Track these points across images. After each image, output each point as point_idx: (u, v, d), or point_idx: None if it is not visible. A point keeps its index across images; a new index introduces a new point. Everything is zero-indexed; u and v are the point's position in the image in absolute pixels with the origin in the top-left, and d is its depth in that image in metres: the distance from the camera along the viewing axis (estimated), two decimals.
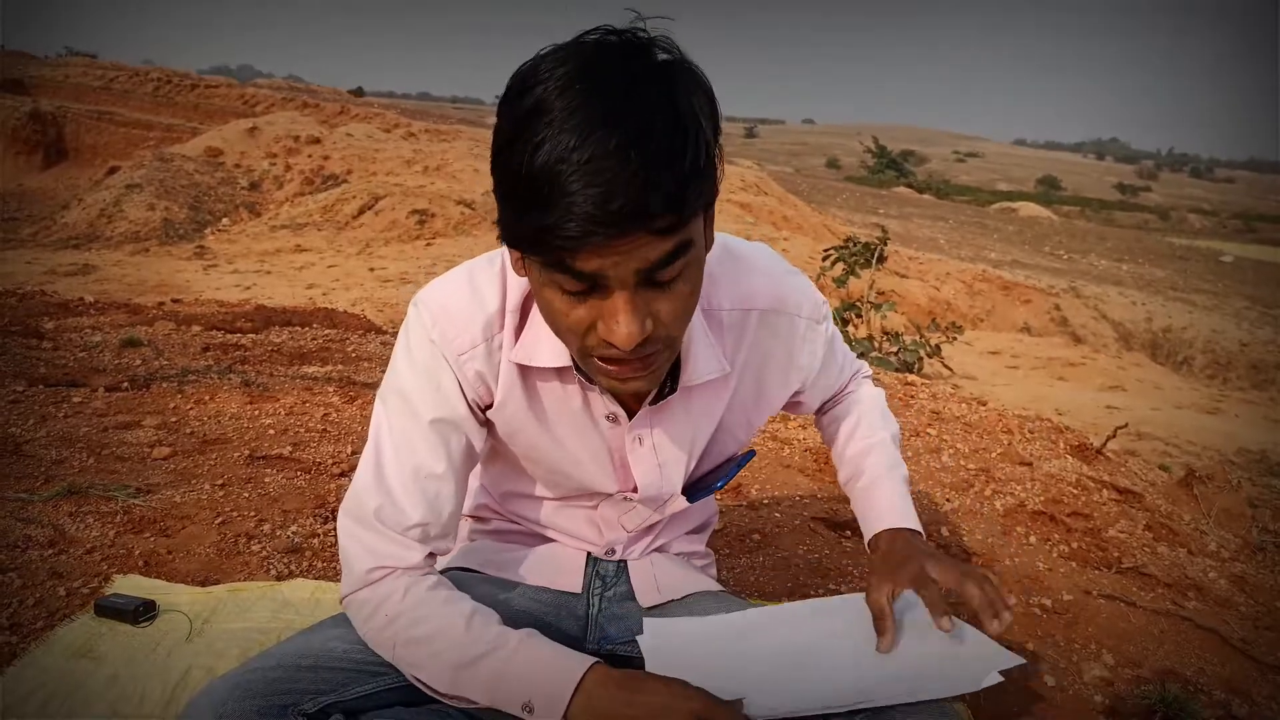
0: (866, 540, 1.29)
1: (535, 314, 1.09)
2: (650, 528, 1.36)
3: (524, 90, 0.84)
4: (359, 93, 47.78)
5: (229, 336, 4.45)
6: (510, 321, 1.10)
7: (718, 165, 0.89)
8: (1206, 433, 7.27)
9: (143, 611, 1.67)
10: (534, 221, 0.83)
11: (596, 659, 1.07)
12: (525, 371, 1.12)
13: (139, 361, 3.73)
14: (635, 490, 1.23)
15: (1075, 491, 2.89)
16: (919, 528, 1.27)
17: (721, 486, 1.34)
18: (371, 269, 13.36)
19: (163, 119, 26.95)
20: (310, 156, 20.12)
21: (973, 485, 2.84)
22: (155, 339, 4.18)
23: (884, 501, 1.30)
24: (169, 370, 3.58)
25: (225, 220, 17.43)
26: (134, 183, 17.40)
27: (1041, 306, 16.51)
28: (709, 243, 0.98)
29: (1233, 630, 2.12)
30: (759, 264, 1.19)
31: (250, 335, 4.54)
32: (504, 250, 1.11)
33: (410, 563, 1.12)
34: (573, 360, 1.08)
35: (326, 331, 4.82)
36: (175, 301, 6.28)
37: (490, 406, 1.15)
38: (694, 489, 1.29)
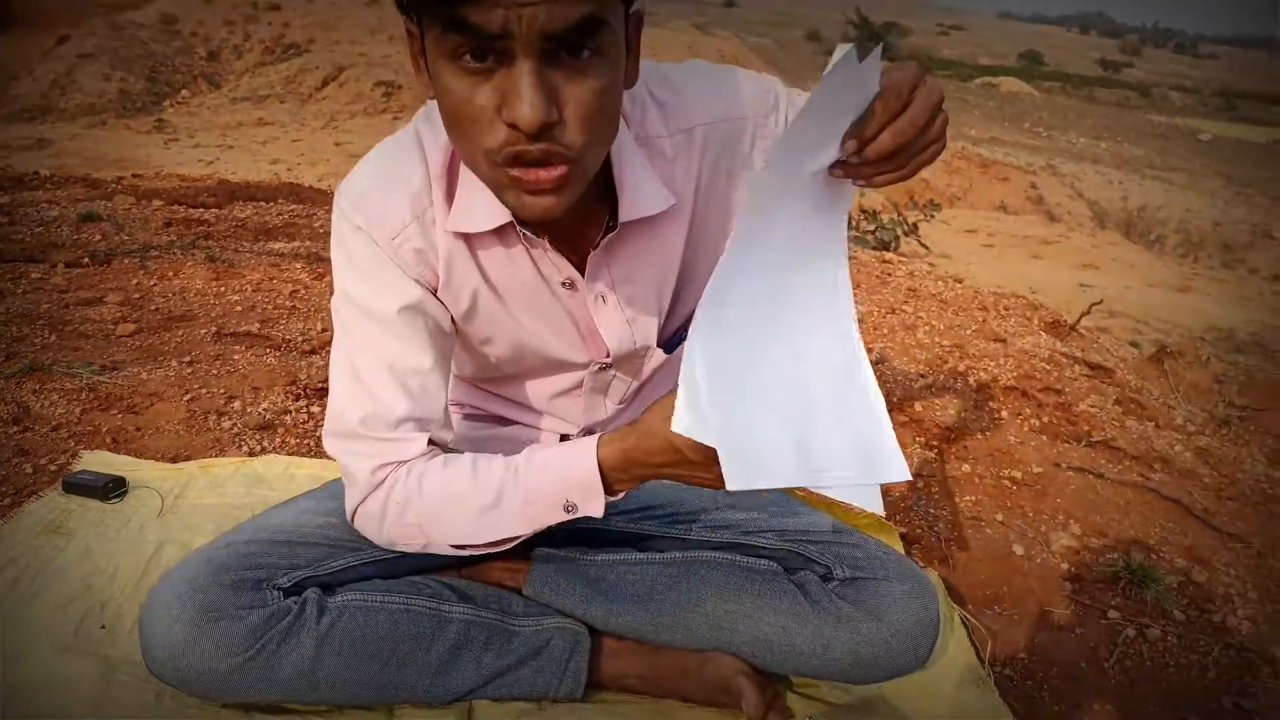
0: None
1: (464, 177, 1.01)
2: (631, 399, 1.32)
3: None
4: None
5: (192, 211, 4.32)
6: (438, 189, 1.02)
7: None
8: (1177, 310, 7.34)
9: (112, 488, 1.65)
10: None
11: (594, 435, 1.05)
12: (467, 241, 1.04)
13: (99, 237, 3.62)
14: (608, 355, 1.17)
15: (1048, 367, 2.91)
16: None
17: None
18: (337, 143, 13.00)
19: None
20: (270, 24, 19.28)
21: (947, 361, 2.84)
22: (115, 213, 4.05)
23: None
24: (130, 246, 3.48)
25: (184, 92, 16.81)
26: (86, 52, 16.66)
27: (1019, 185, 16.41)
28: (632, 66, 0.91)
29: (1195, 501, 2.17)
30: (693, 79, 1.08)
31: (214, 210, 4.41)
32: (415, 121, 1.04)
33: (411, 454, 1.08)
34: (512, 220, 1.00)
35: (292, 207, 4.69)
36: (135, 176, 6.08)
37: (437, 290, 1.08)
38: (670, 340, 1.22)
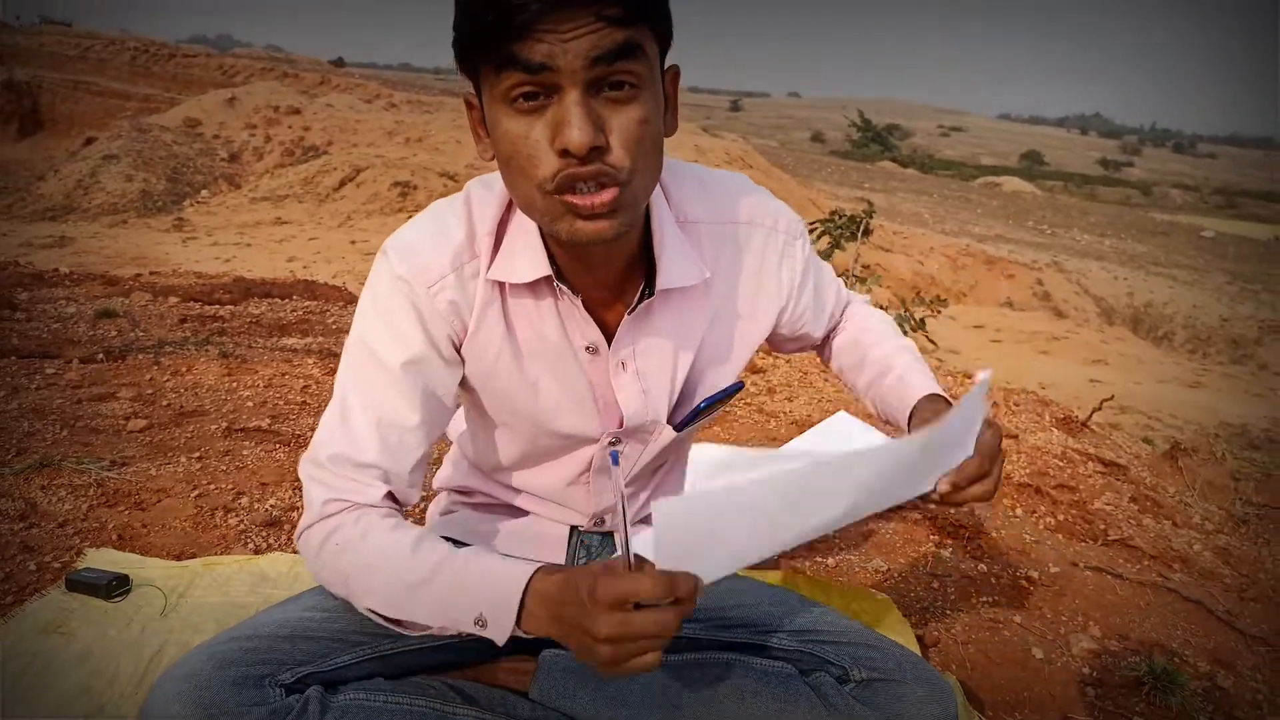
0: (906, 415, 1.23)
1: (512, 232, 1.07)
2: (640, 492, 1.32)
3: None
4: (340, 63, 47.16)
5: (207, 308, 4.38)
6: (485, 245, 1.08)
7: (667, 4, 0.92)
8: (1188, 406, 7.30)
9: (115, 586, 1.63)
10: (479, 13, 0.85)
11: (541, 564, 1.03)
12: (502, 297, 1.10)
13: (114, 333, 3.67)
14: (620, 424, 1.19)
15: (1061, 464, 2.88)
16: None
17: (706, 409, 1.27)
18: (353, 241, 13.22)
19: (140, 89, 26.52)
20: (290, 127, 19.86)
21: None
22: (131, 310, 4.11)
23: (920, 383, 1.25)
24: (145, 341, 3.52)
25: (204, 192, 17.20)
26: (111, 153, 17.13)
27: (1024, 281, 16.54)
28: (671, 116, 1.00)
29: (1218, 602, 2.12)
30: (737, 183, 1.20)
31: (229, 307, 4.47)
32: (468, 187, 1.11)
33: (367, 499, 1.09)
34: (552, 266, 1.06)
35: (307, 303, 4.76)
36: (153, 273, 6.19)
37: (463, 343, 1.12)
38: (680, 420, 1.24)
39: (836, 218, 7.26)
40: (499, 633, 1.01)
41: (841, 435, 1.08)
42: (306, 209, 15.57)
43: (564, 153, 0.89)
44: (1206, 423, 6.56)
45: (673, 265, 1.09)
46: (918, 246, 16.83)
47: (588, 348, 1.13)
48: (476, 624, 1.02)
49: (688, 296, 1.13)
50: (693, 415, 1.25)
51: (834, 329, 1.40)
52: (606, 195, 0.91)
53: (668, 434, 1.24)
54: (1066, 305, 15.81)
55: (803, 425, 3.04)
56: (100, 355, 3.25)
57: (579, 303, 1.08)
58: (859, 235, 7.16)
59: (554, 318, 1.12)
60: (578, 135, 0.87)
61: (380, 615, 1.10)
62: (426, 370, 1.10)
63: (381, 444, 1.08)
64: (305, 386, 3.06)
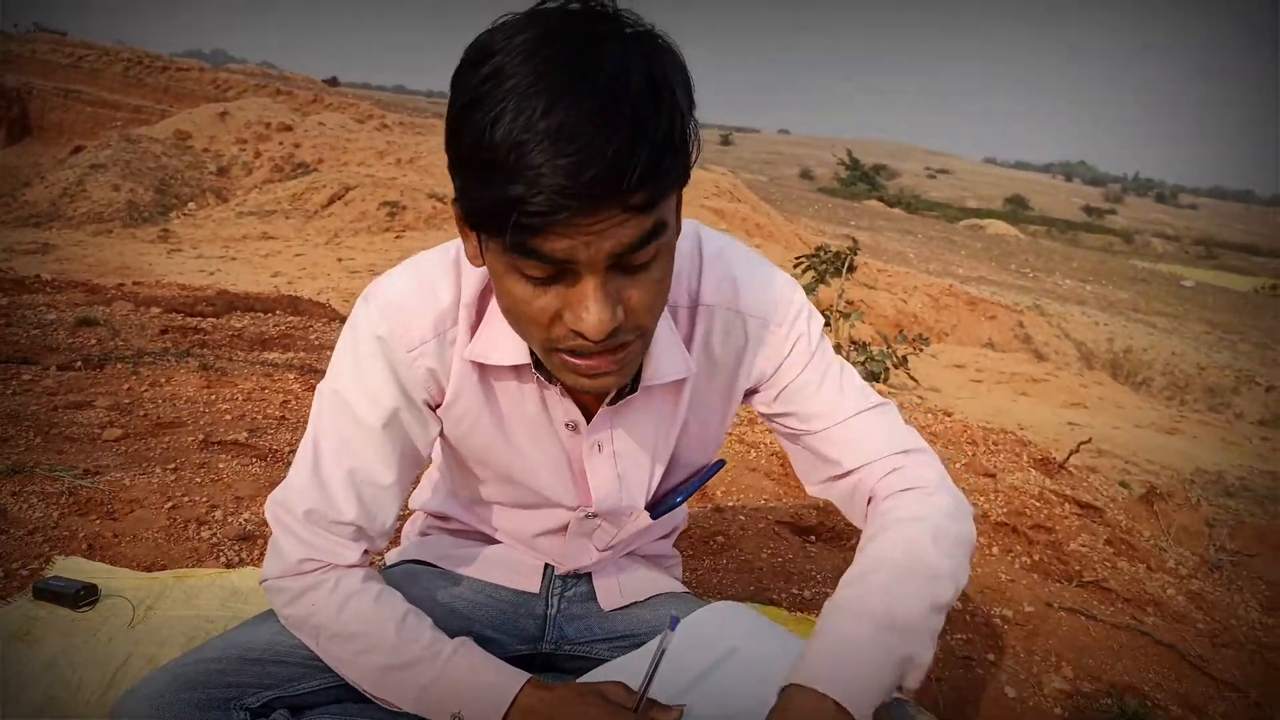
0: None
1: (493, 308, 1.02)
2: (616, 547, 1.31)
3: (481, 58, 0.77)
4: (333, 82, 47.24)
5: (189, 320, 4.35)
6: (465, 316, 1.03)
7: (692, 141, 0.82)
8: (1165, 452, 7.36)
9: (83, 595, 1.60)
10: (496, 197, 0.75)
11: (530, 675, 1.03)
12: (481, 370, 1.06)
13: (94, 341, 3.64)
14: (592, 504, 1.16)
15: (1038, 504, 2.89)
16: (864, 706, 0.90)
17: (684, 500, 1.24)
18: (339, 259, 13.18)
19: (131, 100, 26.46)
20: (281, 144, 19.85)
21: None
22: (112, 319, 4.08)
23: (831, 638, 0.95)
24: (125, 351, 3.49)
25: (191, 204, 17.13)
26: (99, 162, 17.06)
27: (1006, 323, 16.67)
28: (678, 229, 0.91)
29: (1190, 647, 2.13)
30: (727, 259, 1.09)
31: (211, 319, 4.45)
32: (458, 241, 1.04)
33: (344, 560, 1.08)
34: (531, 357, 1.02)
35: (290, 319, 4.74)
36: (135, 283, 6.15)
37: (440, 406, 1.09)
38: (658, 504, 1.21)
39: (822, 253, 7.32)
40: None
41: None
42: (294, 225, 15.52)
43: (578, 334, 0.83)
44: (1183, 468, 6.60)
45: (660, 362, 1.04)
46: (901, 285, 16.95)
47: (568, 424, 1.09)
48: (454, 719, 1.01)
49: (669, 386, 1.08)
50: (669, 507, 1.23)
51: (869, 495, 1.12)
52: (609, 359, 0.87)
53: (643, 519, 1.21)
54: (1047, 348, 15.92)
55: (782, 457, 3.04)
56: (79, 363, 3.22)
57: (559, 387, 1.05)
58: (843, 271, 7.22)
59: (535, 395, 1.08)
60: (596, 324, 0.81)
61: (352, 681, 1.08)
62: (402, 428, 1.07)
63: (359, 502, 1.06)
64: (285, 401, 3.04)
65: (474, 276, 1.04)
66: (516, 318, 0.88)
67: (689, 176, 0.85)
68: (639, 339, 0.89)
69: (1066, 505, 2.97)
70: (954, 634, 2.00)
